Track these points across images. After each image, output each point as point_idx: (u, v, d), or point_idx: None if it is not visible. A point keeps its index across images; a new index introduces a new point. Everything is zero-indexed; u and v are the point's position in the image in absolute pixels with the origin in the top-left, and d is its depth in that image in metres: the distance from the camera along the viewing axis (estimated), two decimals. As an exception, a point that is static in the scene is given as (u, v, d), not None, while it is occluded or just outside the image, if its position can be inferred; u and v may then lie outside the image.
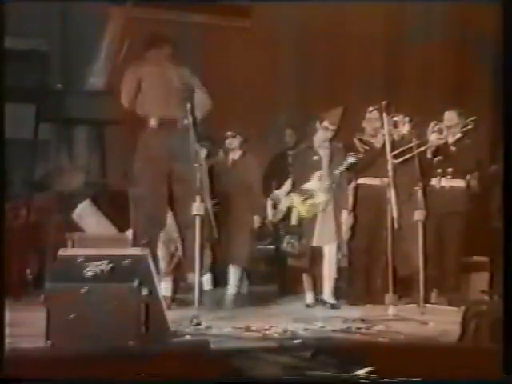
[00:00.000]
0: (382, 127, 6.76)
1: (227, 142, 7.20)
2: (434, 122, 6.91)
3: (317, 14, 10.36)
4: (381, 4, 10.58)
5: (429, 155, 6.90)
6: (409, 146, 6.64)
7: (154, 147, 6.16)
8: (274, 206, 8.30)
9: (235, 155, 7.27)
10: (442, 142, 6.92)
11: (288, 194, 8.28)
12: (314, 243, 6.86)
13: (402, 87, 10.76)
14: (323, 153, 6.99)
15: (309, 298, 6.92)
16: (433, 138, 6.88)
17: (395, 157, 6.59)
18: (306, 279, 6.98)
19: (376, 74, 10.91)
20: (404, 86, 10.83)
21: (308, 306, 6.84)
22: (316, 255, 6.89)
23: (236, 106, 9.41)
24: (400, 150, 6.67)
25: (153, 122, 6.20)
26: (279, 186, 8.26)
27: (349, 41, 10.73)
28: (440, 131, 6.90)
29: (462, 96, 9.92)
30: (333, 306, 6.71)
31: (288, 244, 6.94)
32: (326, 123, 6.92)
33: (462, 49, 11.07)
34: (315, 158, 6.99)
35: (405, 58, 11.10)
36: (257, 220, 7.22)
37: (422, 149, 6.72)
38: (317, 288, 6.96)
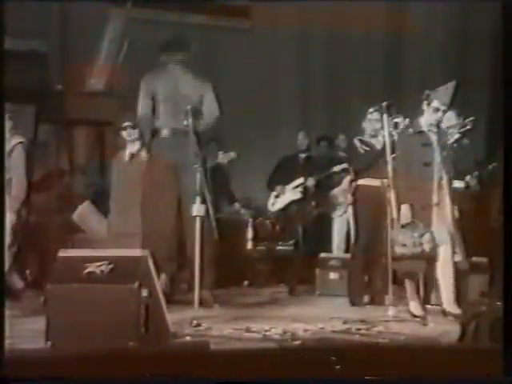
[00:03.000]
0: (383, 128, 6.75)
1: (125, 133, 6.69)
2: None
3: (317, 13, 10.39)
4: (381, 4, 10.61)
5: None
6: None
7: (165, 156, 6.04)
8: (277, 197, 8.36)
9: (133, 148, 6.74)
10: None
11: (295, 188, 8.31)
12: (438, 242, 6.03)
13: (401, 88, 10.79)
14: (433, 138, 6.18)
15: (414, 307, 6.11)
16: None
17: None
18: (409, 286, 6.18)
19: (376, 74, 10.93)
20: (404, 87, 10.85)
21: (416, 316, 6.03)
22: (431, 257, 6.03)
23: (236, 106, 9.43)
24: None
25: (165, 132, 6.07)
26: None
27: (349, 41, 10.76)
28: None
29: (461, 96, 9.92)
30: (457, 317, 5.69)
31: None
32: (435, 103, 6.14)
33: (462, 48, 11.11)
34: (424, 143, 6.16)
35: (405, 57, 11.13)
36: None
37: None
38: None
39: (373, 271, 7.09)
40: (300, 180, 8.29)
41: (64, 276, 4.80)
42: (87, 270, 4.74)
